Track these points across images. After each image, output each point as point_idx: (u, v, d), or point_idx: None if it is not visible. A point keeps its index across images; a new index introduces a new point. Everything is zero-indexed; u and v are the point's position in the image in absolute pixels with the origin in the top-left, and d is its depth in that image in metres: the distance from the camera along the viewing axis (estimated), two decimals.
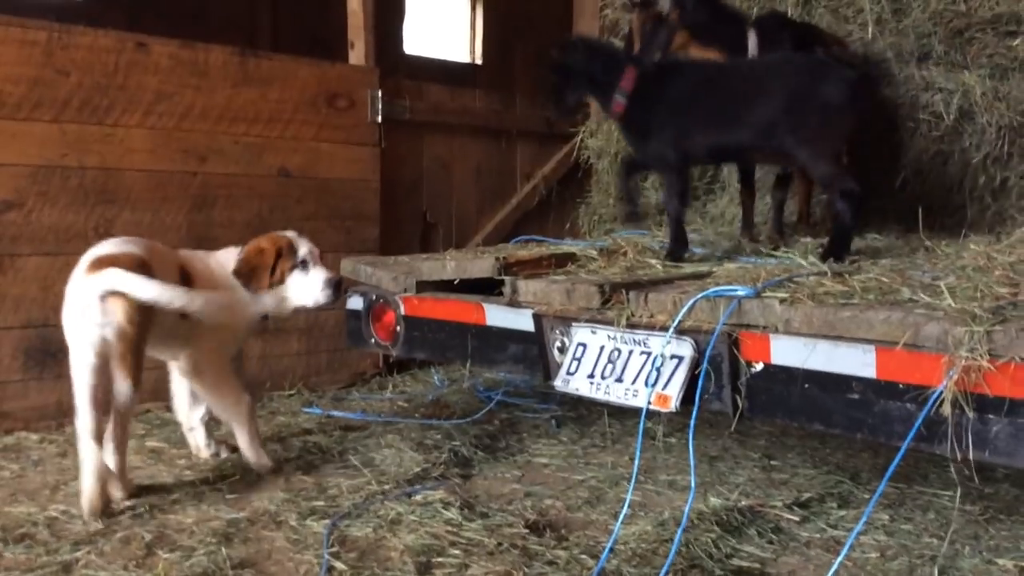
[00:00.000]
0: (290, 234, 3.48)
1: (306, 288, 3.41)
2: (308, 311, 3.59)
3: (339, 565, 2.66)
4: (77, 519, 2.98)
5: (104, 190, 4.24)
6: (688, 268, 3.22)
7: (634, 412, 2.65)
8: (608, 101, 3.40)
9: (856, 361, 2.23)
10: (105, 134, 4.24)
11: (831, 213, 3.76)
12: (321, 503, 3.16)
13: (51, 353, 4.07)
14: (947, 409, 2.04)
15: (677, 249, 3.42)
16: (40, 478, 3.45)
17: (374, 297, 3.66)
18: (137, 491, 3.21)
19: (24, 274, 4.04)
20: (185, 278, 3.27)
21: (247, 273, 3.38)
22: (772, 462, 3.76)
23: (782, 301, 2.41)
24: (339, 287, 3.48)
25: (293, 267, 3.40)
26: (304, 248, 3.43)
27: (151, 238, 4.31)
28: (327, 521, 2.96)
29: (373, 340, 3.70)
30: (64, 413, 4.08)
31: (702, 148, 3.41)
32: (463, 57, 10.64)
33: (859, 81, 3.38)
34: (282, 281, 3.40)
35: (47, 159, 4.08)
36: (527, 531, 2.93)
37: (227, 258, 3.46)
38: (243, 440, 3.46)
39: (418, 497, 3.19)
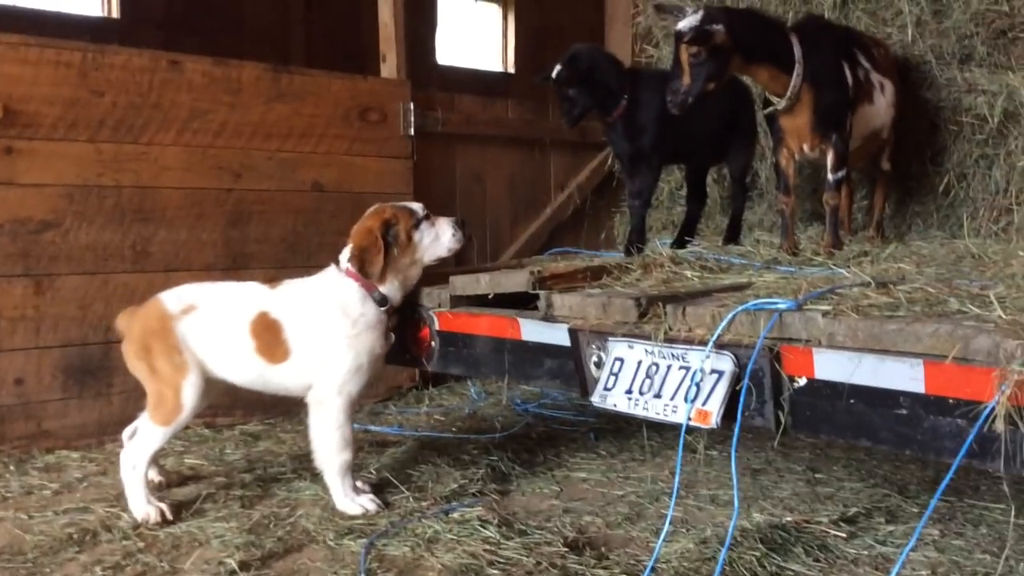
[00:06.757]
0: (394, 204, 3.39)
1: (438, 237, 3.36)
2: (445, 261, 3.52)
3: None
4: (116, 531, 3.02)
5: (140, 209, 4.27)
6: (727, 279, 3.16)
7: (674, 426, 2.60)
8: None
9: (903, 376, 2.15)
10: (140, 153, 4.26)
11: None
12: (358, 521, 3.13)
13: (90, 372, 4.11)
14: (1000, 425, 1.96)
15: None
16: (80, 495, 3.46)
17: (408, 312, 3.64)
18: (177, 508, 3.22)
19: (63, 294, 4.08)
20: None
21: (362, 257, 3.23)
22: (817, 475, 3.68)
23: (825, 314, 2.34)
24: (465, 227, 3.46)
25: (416, 224, 3.32)
26: (417, 205, 3.40)
27: (187, 256, 4.39)
28: (364, 540, 2.94)
29: (408, 356, 3.67)
30: (104, 431, 4.14)
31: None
32: (496, 66, 10.64)
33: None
34: (409, 241, 3.30)
35: (84, 179, 4.11)
36: (566, 549, 2.88)
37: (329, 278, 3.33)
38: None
39: (456, 515, 3.16)
